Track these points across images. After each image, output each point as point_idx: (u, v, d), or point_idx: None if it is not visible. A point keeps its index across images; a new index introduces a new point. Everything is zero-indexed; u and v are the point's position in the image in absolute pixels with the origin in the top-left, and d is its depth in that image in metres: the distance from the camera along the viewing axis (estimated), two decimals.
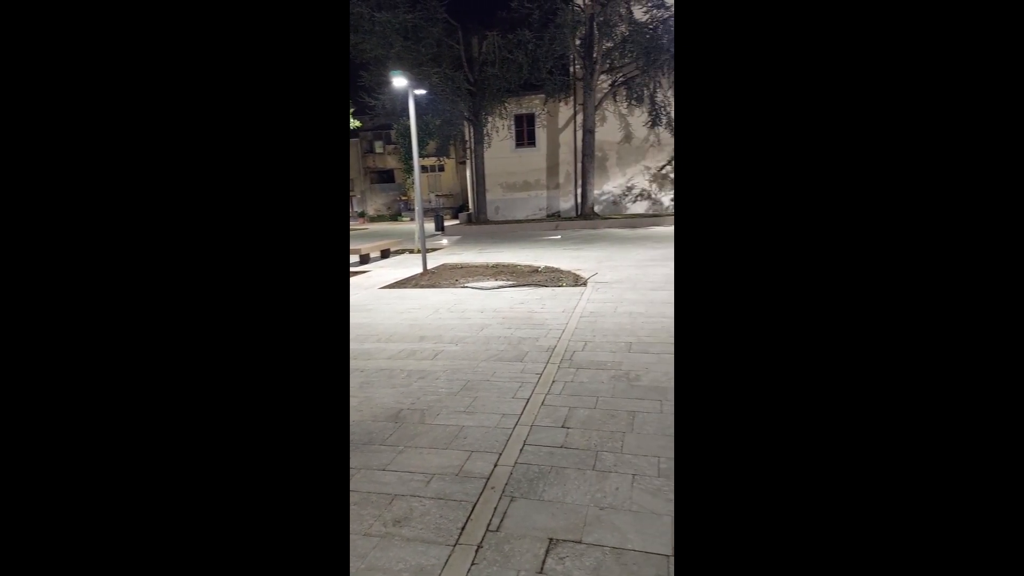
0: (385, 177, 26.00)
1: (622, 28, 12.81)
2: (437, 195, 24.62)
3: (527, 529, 1.78)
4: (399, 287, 6.77)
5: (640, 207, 14.93)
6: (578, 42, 13.23)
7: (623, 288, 5.89)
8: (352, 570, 1.63)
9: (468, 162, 16.65)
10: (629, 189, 15.03)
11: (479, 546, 1.71)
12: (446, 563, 1.64)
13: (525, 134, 15.80)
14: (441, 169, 25.00)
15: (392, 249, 10.45)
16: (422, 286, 6.70)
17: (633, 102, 13.61)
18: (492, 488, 2.05)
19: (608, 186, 15.15)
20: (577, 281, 6.45)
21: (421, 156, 11.35)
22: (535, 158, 15.79)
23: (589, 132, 13.61)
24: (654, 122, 13.42)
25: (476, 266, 8.23)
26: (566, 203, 15.71)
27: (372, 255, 9.89)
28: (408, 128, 11.14)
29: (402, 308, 5.47)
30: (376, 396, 3.07)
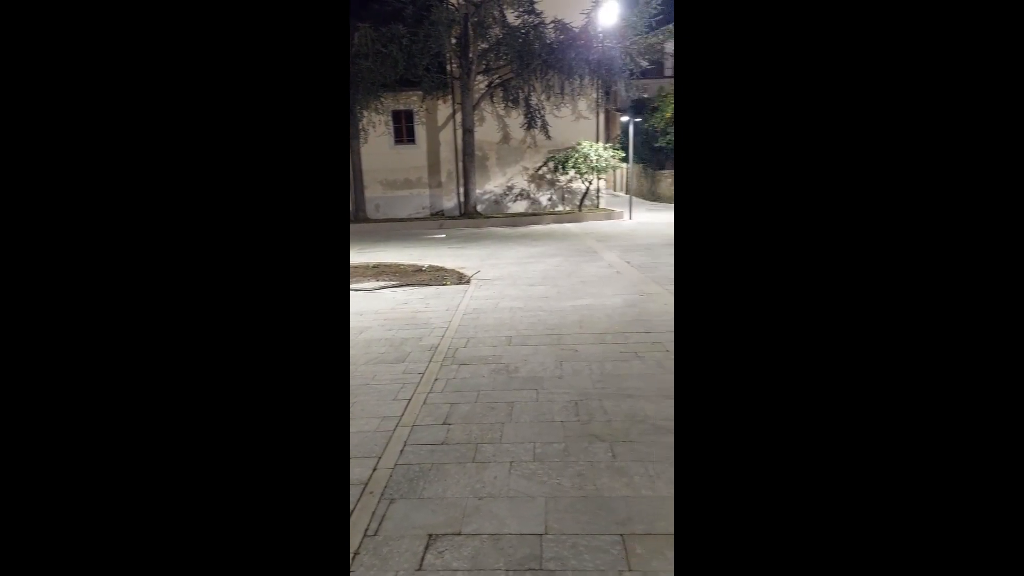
0: None
1: (496, 30, 13.11)
2: None
3: (406, 529, 1.78)
4: None
5: (521, 206, 15.45)
6: (453, 40, 13.26)
7: (504, 284, 6.07)
8: None
9: None
10: (510, 189, 15.46)
11: (356, 553, 1.67)
12: None
13: (404, 131, 15.45)
14: None
15: None
16: None
17: (510, 104, 14.01)
18: (371, 493, 2.01)
19: (490, 185, 15.44)
20: (461, 279, 6.50)
21: None
22: (415, 155, 15.53)
23: (468, 131, 13.74)
24: (530, 124, 13.94)
25: (356, 267, 7.88)
26: (449, 202, 15.69)
27: None
28: None
29: None
30: None
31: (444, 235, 11.86)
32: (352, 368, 3.45)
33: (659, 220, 12.66)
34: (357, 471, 2.17)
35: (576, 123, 14.90)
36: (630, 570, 1.56)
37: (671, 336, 3.81)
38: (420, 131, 15.53)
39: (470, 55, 13.26)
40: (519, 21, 13.01)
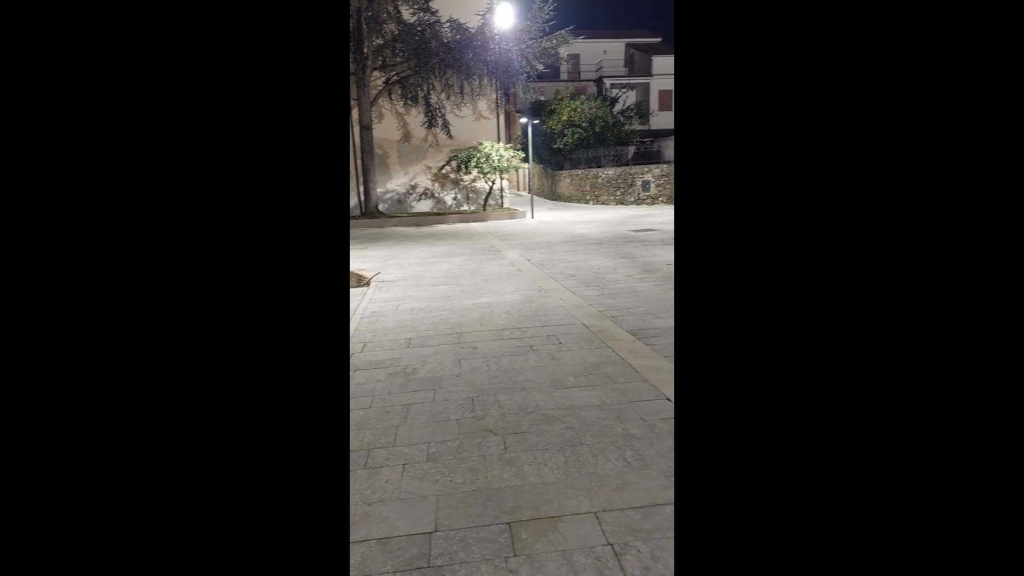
0: None
1: (392, 26, 12.80)
2: None
3: None
4: None
5: (425, 205, 15.25)
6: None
7: (407, 286, 5.97)
8: None
9: None
10: (413, 188, 15.19)
11: None
12: None
13: None
14: None
15: None
16: None
17: (408, 102, 13.75)
18: None
19: (392, 184, 15.06)
20: (360, 282, 6.28)
21: None
22: None
23: (367, 128, 13.28)
24: (431, 123, 13.80)
25: None
26: (350, 201, 15.04)
27: None
28: None
29: None
30: None
31: None
32: None
33: (559, 219, 13.16)
34: None
35: (477, 123, 15.01)
36: (515, 555, 1.62)
37: (565, 329, 4.00)
38: None
39: (364, 50, 12.81)
40: (415, 18, 12.81)
